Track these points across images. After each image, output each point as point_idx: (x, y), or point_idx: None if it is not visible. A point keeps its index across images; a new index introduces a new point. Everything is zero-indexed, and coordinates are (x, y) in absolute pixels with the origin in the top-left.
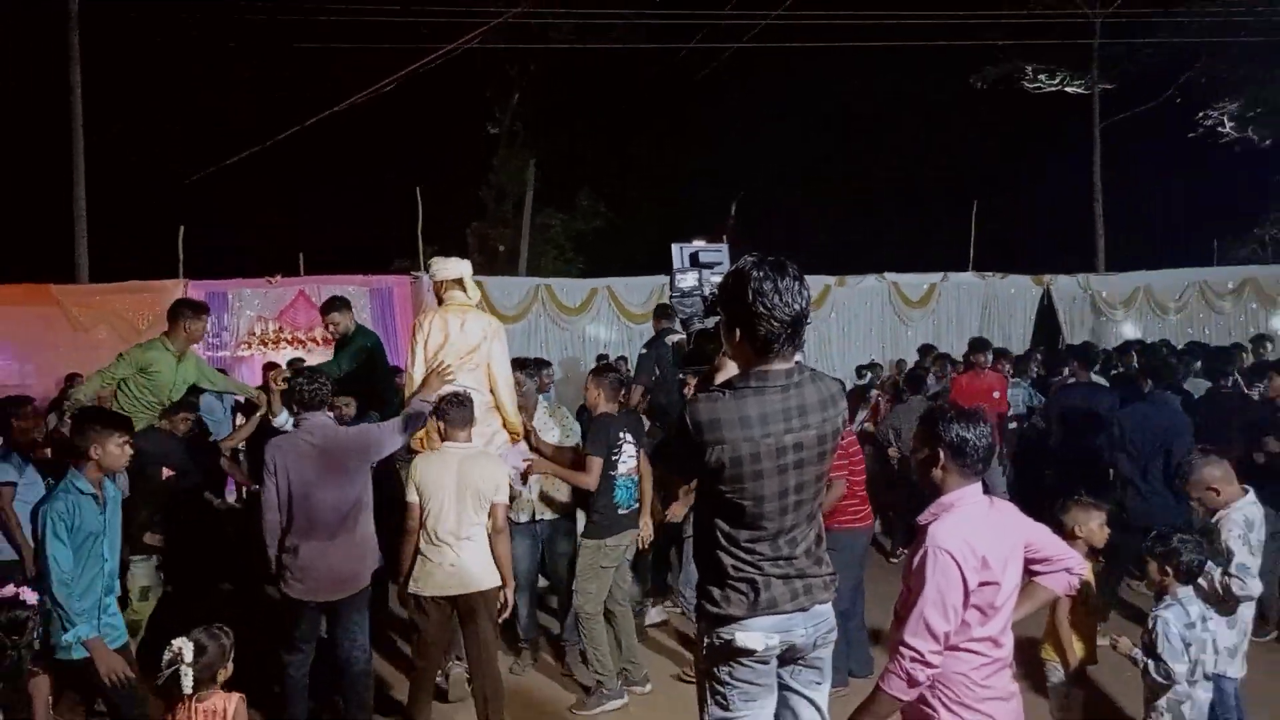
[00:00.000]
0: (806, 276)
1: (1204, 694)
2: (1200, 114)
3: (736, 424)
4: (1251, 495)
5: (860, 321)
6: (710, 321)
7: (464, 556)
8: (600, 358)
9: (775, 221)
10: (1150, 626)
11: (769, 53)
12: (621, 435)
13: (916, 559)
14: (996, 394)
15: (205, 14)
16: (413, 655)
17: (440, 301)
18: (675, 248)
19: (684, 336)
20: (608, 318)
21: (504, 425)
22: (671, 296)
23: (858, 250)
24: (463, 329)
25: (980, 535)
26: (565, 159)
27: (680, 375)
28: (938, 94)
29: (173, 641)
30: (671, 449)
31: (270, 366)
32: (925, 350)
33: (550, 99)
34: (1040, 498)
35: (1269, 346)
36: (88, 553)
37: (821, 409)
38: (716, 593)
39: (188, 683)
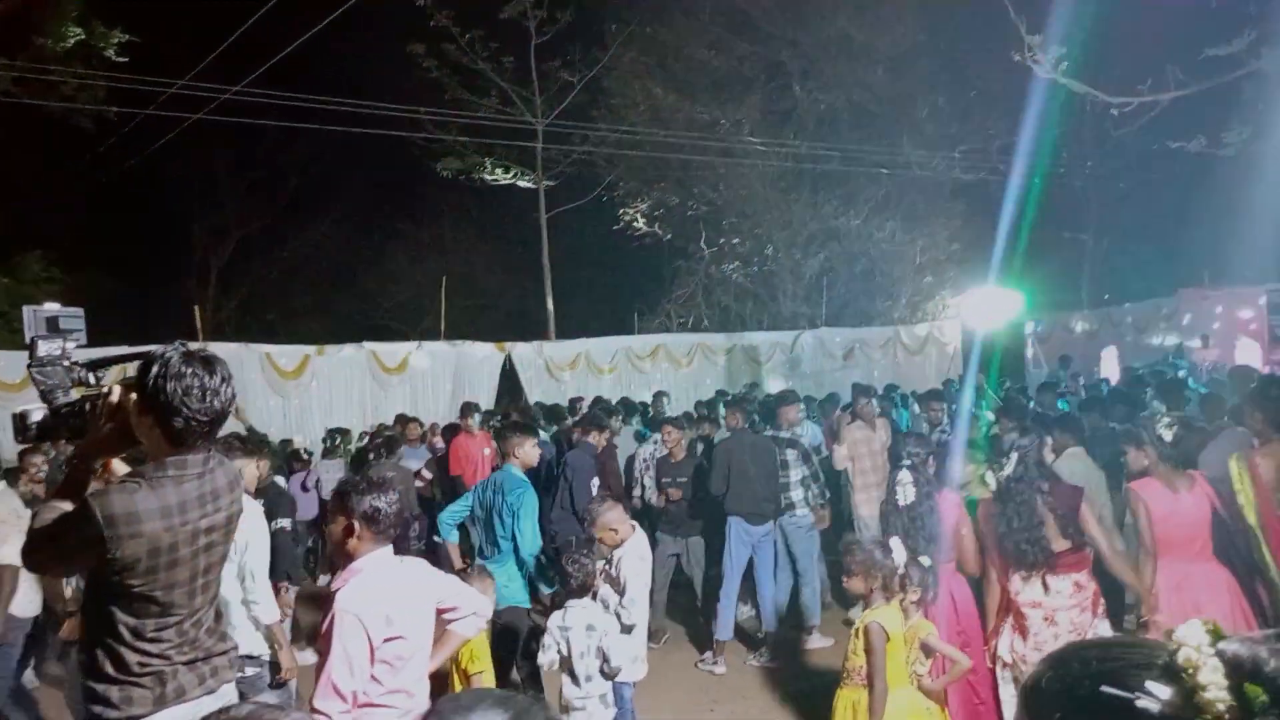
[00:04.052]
0: (287, 347)
1: (574, 687)
2: (621, 211)
3: (156, 514)
4: (640, 532)
5: (341, 388)
6: (75, 394)
7: None
8: None
9: (249, 292)
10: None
11: (239, 126)
12: None
13: (325, 625)
14: (488, 451)
15: None
16: None
17: None
18: (28, 311)
19: (32, 409)
20: None
21: None
22: (30, 366)
23: (342, 320)
24: None
25: (386, 594)
26: (10, 218)
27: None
28: (412, 177)
29: None
30: (63, 546)
31: None
32: (400, 419)
33: None
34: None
35: (666, 400)
36: None
37: (230, 491)
38: (115, 694)
39: None
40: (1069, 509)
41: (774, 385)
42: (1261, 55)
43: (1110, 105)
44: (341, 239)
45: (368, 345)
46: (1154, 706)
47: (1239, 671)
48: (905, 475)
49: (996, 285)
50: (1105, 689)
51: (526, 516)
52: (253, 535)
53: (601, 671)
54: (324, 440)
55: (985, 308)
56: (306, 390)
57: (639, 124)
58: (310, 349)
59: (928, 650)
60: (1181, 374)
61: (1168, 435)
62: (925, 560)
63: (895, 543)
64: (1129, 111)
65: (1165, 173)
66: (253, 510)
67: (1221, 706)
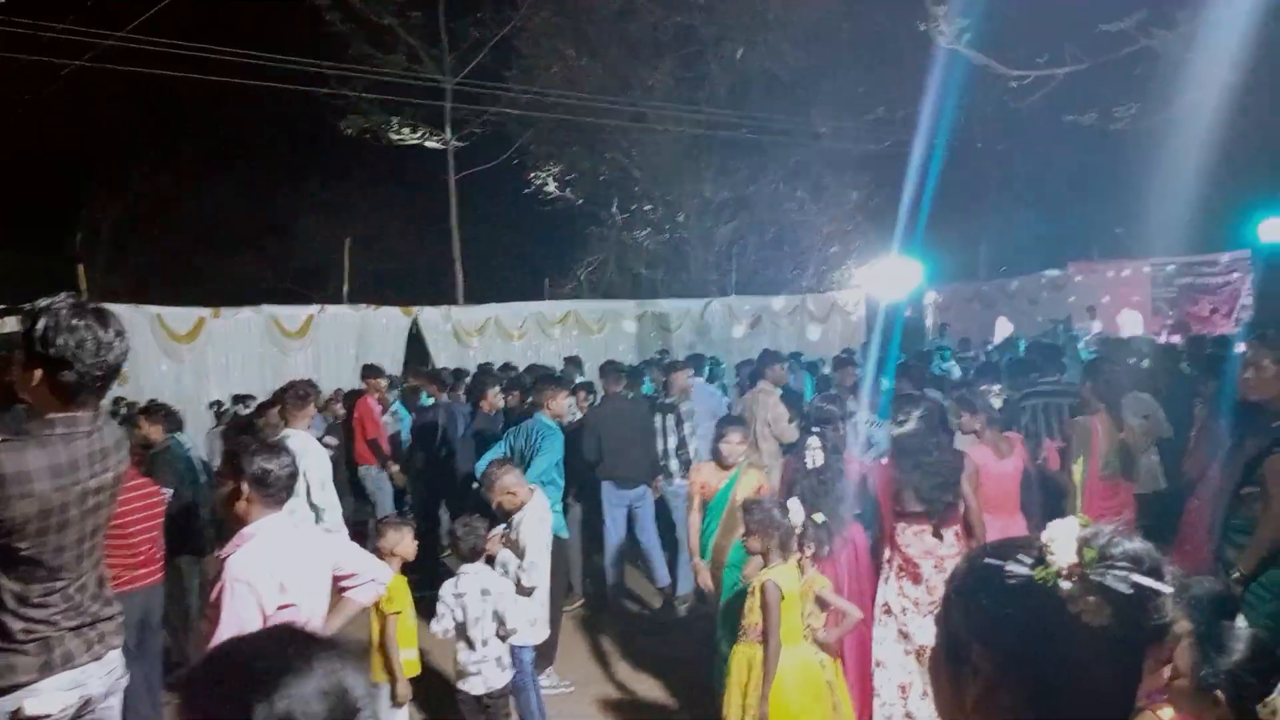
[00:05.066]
0: (179, 309)
1: (469, 651)
2: (532, 174)
3: (47, 473)
4: (540, 494)
5: (239, 353)
6: None
7: None
8: None
9: (141, 251)
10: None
11: (132, 75)
12: None
13: (215, 593)
14: (387, 418)
15: None
16: None
17: None
18: None
19: None
20: None
21: None
22: None
23: (242, 284)
24: None
25: (279, 561)
26: None
27: None
28: (318, 136)
29: None
30: None
31: None
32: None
33: None
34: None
35: (578, 367)
36: None
37: (117, 450)
38: None
39: None
40: (954, 469)
41: (683, 352)
42: (1152, 34)
43: (1009, 78)
44: (243, 199)
45: (267, 308)
46: (1017, 569)
47: (1085, 544)
48: (814, 441)
49: (899, 256)
50: (988, 560)
51: (543, 453)
52: (312, 460)
53: (498, 634)
54: (210, 406)
55: (888, 277)
56: (201, 354)
57: (551, 86)
58: (205, 311)
59: (822, 604)
60: (1080, 344)
61: (997, 403)
62: (819, 517)
63: (793, 502)
64: (1027, 84)
65: (1060, 147)
66: (307, 437)
67: (1062, 562)
